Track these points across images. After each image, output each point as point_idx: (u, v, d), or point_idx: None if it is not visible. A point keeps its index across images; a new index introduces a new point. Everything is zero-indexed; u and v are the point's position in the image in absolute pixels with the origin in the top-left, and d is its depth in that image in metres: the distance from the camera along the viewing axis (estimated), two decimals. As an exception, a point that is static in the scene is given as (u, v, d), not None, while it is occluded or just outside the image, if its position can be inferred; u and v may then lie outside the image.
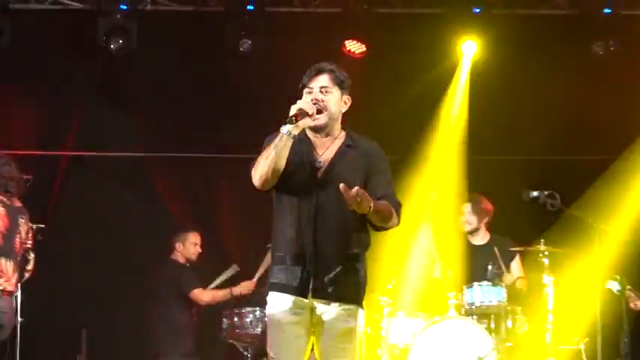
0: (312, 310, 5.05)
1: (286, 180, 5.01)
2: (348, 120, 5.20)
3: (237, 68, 10.12)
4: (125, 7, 10.11)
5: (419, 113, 10.30)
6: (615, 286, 8.32)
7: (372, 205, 4.76)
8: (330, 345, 5.08)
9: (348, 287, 5.07)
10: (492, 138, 10.38)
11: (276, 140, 4.87)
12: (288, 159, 4.93)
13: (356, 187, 4.64)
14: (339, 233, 5.06)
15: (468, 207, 8.85)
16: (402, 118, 10.11)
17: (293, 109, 4.87)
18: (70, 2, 10.34)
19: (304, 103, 4.97)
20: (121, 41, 10.02)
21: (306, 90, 5.12)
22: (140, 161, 10.79)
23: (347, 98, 5.16)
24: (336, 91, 5.11)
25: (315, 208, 5.03)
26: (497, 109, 10.18)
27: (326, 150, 5.14)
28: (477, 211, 8.80)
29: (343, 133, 5.22)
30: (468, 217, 8.83)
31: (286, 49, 9.94)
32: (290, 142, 4.90)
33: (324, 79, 5.11)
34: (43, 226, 8.45)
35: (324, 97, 5.04)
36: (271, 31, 9.92)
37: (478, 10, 10.18)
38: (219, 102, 10.45)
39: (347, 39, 10.11)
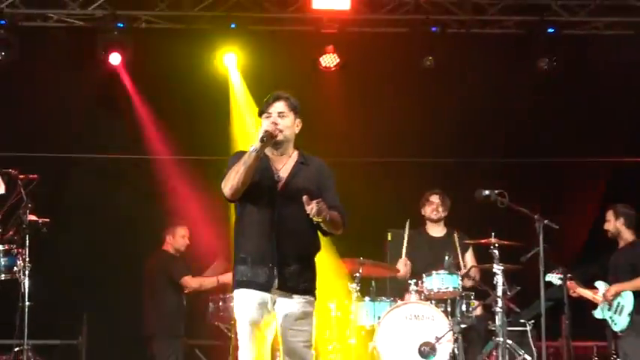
0: (274, 302, 5.27)
1: (251, 191, 5.23)
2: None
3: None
4: (122, 25, 10.11)
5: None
6: (554, 279, 8.52)
7: (327, 215, 5.04)
8: (289, 328, 5.31)
9: (306, 282, 5.36)
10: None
11: (245, 157, 5.10)
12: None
13: (317, 200, 4.98)
14: (296, 237, 5.29)
15: (437, 198, 8.83)
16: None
17: (260, 132, 5.13)
18: (73, 20, 10.34)
19: (268, 126, 5.19)
20: (118, 55, 10.05)
21: (264, 115, 5.32)
22: (135, 162, 10.79)
23: (299, 122, 5.38)
24: (291, 116, 5.34)
25: (277, 215, 5.25)
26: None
27: (283, 166, 5.38)
28: (444, 202, 8.83)
29: (296, 152, 5.46)
30: (438, 207, 8.83)
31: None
32: (257, 159, 5.12)
33: (280, 106, 5.34)
34: (47, 220, 8.42)
35: (280, 121, 5.25)
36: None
37: (435, 29, 10.17)
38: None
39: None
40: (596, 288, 8.55)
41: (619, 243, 8.70)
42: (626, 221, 8.57)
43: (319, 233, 5.44)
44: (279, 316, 5.31)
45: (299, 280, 5.31)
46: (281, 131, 5.23)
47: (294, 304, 5.28)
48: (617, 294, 8.38)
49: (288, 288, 5.27)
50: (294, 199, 5.20)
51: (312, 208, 5.01)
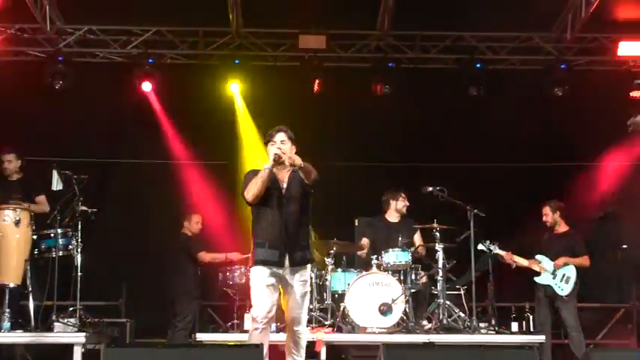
0: (283, 276, 5.73)
1: (265, 197, 5.71)
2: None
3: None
4: (152, 61, 10.17)
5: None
6: (484, 247, 8.51)
7: (301, 163, 5.58)
8: (293, 292, 5.80)
9: (305, 256, 5.91)
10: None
11: (262, 173, 5.62)
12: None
13: (290, 155, 5.64)
14: (297, 227, 5.80)
15: (404, 197, 8.90)
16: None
17: (271, 155, 5.66)
18: (114, 57, 10.39)
19: (276, 151, 5.66)
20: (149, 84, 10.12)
21: (270, 143, 5.79)
22: (160, 165, 10.79)
23: (293, 147, 5.81)
24: (289, 143, 5.79)
25: (284, 213, 5.75)
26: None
27: (285, 178, 5.86)
28: (407, 200, 8.90)
29: (291, 169, 5.82)
30: (406, 203, 8.89)
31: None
32: (270, 174, 5.64)
33: (282, 136, 5.82)
34: (95, 210, 8.48)
35: (283, 147, 5.70)
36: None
37: (391, 64, 10.24)
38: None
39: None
40: (536, 260, 8.51)
41: (554, 229, 8.74)
42: (561, 213, 8.66)
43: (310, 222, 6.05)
44: (286, 289, 5.86)
45: (301, 255, 5.82)
46: (284, 153, 5.63)
47: (298, 273, 5.82)
48: (565, 265, 8.46)
49: (296, 264, 5.76)
50: (293, 199, 5.79)
51: (289, 158, 5.64)
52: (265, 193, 5.67)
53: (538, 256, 8.58)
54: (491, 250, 8.49)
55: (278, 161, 5.63)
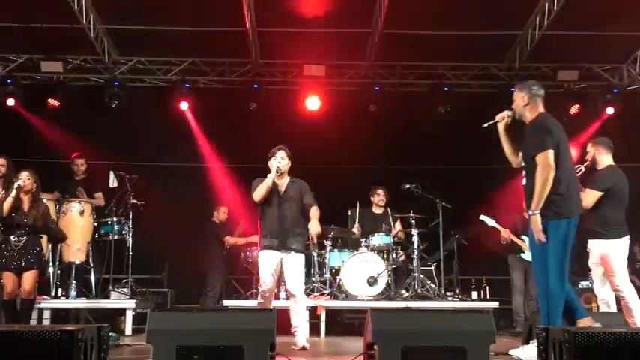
0: (281, 257, 5.97)
1: (267, 199, 5.99)
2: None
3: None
4: (188, 85, 10.16)
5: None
6: (487, 220, 8.20)
7: (319, 231, 6.00)
8: (290, 269, 5.98)
9: (298, 245, 6.08)
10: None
11: (266, 181, 5.92)
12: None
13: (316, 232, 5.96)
14: (291, 222, 6.03)
15: (382, 191, 8.86)
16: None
17: (274, 167, 5.94)
18: (158, 82, 10.39)
19: (277, 165, 5.95)
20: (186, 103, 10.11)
21: (273, 158, 6.01)
22: (194, 168, 10.78)
23: (289, 163, 6.10)
24: (287, 159, 6.05)
25: (281, 210, 6.02)
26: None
27: (283, 185, 6.09)
28: (385, 194, 8.88)
29: (288, 177, 6.14)
30: (382, 197, 8.85)
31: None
32: (272, 183, 5.93)
33: (282, 154, 6.04)
34: (143, 202, 8.51)
35: (282, 162, 6.01)
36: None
37: (377, 88, 10.19)
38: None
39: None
40: (523, 240, 8.07)
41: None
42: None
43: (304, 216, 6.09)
44: (285, 267, 5.99)
45: (294, 244, 6.01)
46: (283, 167, 6.00)
47: (292, 257, 6.00)
48: None
49: (290, 249, 5.97)
50: (289, 201, 6.03)
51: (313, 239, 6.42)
52: (269, 196, 5.96)
53: (524, 237, 8.08)
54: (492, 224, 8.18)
55: (278, 172, 5.94)
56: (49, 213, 6.51)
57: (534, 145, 4.61)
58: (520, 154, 4.99)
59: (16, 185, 6.13)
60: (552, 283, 4.54)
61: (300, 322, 6.11)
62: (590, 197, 5.68)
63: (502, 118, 5.06)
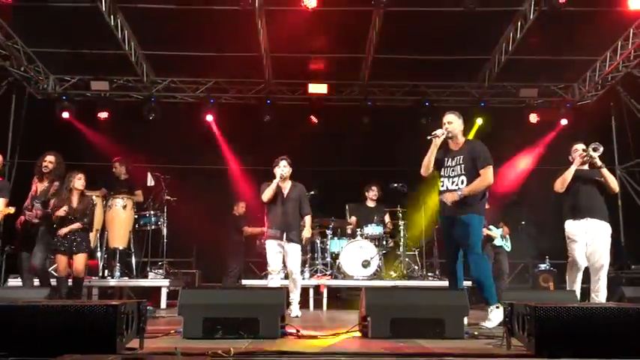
0: (283, 245, 6.06)
1: (273, 198, 6.07)
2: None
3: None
4: (212, 101, 10.16)
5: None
6: None
7: (310, 235, 6.37)
8: (290, 255, 6.10)
9: (296, 237, 6.12)
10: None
11: (272, 184, 6.03)
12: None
13: (307, 237, 6.34)
14: (292, 218, 6.13)
15: (375, 188, 8.77)
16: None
17: (278, 174, 6.00)
18: (188, 99, 10.37)
19: (281, 172, 6.03)
20: (211, 116, 10.09)
21: (277, 167, 6.08)
22: (218, 170, 10.74)
23: (290, 170, 6.12)
24: (289, 167, 6.13)
25: (284, 208, 6.10)
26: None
27: (286, 188, 6.17)
28: (377, 191, 8.78)
29: (290, 182, 6.21)
30: (375, 193, 8.76)
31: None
32: (277, 186, 6.02)
33: (284, 162, 6.11)
34: (175, 198, 8.50)
35: (285, 170, 6.08)
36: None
37: (370, 103, 10.18)
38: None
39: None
40: (490, 229, 8.10)
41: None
42: None
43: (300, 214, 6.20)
44: (286, 254, 6.09)
45: (294, 235, 6.08)
46: (285, 173, 6.07)
47: (292, 246, 6.09)
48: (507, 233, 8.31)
49: (290, 239, 6.04)
50: (290, 201, 6.12)
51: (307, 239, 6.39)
52: (274, 197, 6.08)
53: (491, 227, 8.15)
54: None
55: (282, 178, 6.04)
56: (91, 208, 6.52)
57: (483, 160, 4.91)
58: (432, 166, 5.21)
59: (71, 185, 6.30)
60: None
61: (295, 297, 6.24)
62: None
63: (442, 134, 5.13)
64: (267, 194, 6.06)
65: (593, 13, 7.93)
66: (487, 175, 4.88)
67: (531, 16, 8.04)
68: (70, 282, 6.24)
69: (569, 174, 5.46)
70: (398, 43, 8.83)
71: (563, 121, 10.21)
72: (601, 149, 5.43)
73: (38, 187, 6.41)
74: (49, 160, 6.40)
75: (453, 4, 7.56)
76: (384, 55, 9.18)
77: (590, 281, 5.53)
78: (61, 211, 6.11)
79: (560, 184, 5.50)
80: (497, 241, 8.29)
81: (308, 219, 6.30)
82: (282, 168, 6.10)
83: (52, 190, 6.35)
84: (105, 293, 8.01)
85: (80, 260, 6.20)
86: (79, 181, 6.32)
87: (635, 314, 3.04)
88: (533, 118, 10.33)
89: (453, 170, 5.08)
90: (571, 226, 5.53)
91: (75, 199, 6.29)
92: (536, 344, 3.03)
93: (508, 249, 8.36)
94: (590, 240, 5.45)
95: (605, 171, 5.42)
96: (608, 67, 9.38)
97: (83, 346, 2.83)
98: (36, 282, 6.35)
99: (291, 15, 8.02)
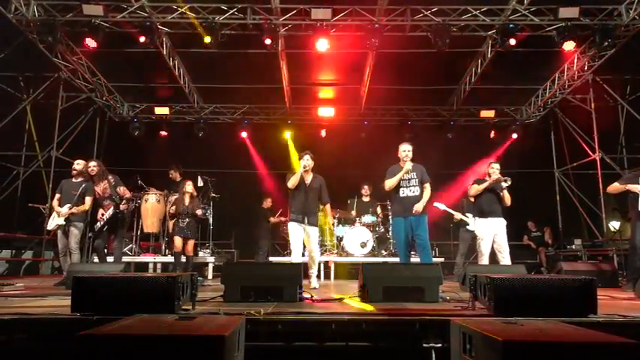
0: (304, 228, 5.40)
1: (297, 187, 5.44)
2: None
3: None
4: (246, 121, 10.07)
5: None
6: (440, 206, 7.19)
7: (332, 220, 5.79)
8: (309, 237, 5.49)
9: (315, 220, 5.49)
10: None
11: (297, 174, 5.40)
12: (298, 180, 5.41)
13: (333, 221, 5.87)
14: (312, 204, 5.47)
15: (367, 187, 8.65)
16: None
17: (302, 166, 5.39)
18: (226, 119, 10.32)
19: (305, 163, 5.41)
20: (245, 133, 9.99)
21: (301, 159, 5.47)
22: (249, 174, 10.63)
23: (312, 163, 5.46)
24: (311, 161, 5.46)
25: (306, 196, 5.45)
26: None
27: (309, 178, 5.52)
28: (370, 190, 8.69)
29: (312, 173, 5.54)
30: (367, 191, 8.64)
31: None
32: (300, 176, 5.41)
33: (308, 156, 5.50)
34: (218, 195, 8.43)
35: (308, 162, 5.45)
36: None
37: (366, 122, 10.12)
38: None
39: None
40: (467, 216, 7.49)
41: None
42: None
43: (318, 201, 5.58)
44: (307, 235, 5.50)
45: (313, 220, 5.47)
46: (308, 165, 5.45)
47: (312, 228, 5.49)
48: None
49: (310, 223, 5.43)
50: (311, 189, 5.46)
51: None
52: (297, 185, 5.52)
53: (468, 214, 7.48)
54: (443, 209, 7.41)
55: (305, 169, 5.48)
56: (197, 205, 6.72)
57: (427, 177, 5.36)
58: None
59: (186, 189, 6.65)
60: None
61: (314, 272, 5.90)
62: None
63: (410, 166, 5.35)
64: (292, 181, 5.48)
65: (537, 53, 7.96)
66: (428, 189, 5.31)
67: (489, 55, 8.02)
68: (184, 258, 6.58)
69: (482, 187, 5.78)
70: (387, 77, 8.84)
71: (514, 136, 10.19)
72: (509, 182, 5.69)
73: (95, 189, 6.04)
74: (93, 165, 6.05)
75: (428, 47, 7.54)
76: (377, 86, 9.17)
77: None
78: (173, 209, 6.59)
79: (474, 192, 5.87)
80: (471, 227, 8.07)
81: (328, 207, 5.68)
82: (306, 160, 5.54)
83: (103, 190, 6.02)
84: (166, 269, 8.01)
85: (190, 244, 6.55)
86: (189, 187, 6.63)
87: (570, 283, 3.06)
88: (492, 134, 10.34)
89: (409, 182, 5.37)
90: (479, 223, 5.85)
91: (187, 199, 6.63)
92: (494, 306, 3.04)
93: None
94: (494, 233, 5.71)
95: (505, 192, 5.70)
96: (548, 93, 9.37)
97: (149, 308, 2.84)
98: (95, 259, 6.28)
99: (306, 56, 8.10)
